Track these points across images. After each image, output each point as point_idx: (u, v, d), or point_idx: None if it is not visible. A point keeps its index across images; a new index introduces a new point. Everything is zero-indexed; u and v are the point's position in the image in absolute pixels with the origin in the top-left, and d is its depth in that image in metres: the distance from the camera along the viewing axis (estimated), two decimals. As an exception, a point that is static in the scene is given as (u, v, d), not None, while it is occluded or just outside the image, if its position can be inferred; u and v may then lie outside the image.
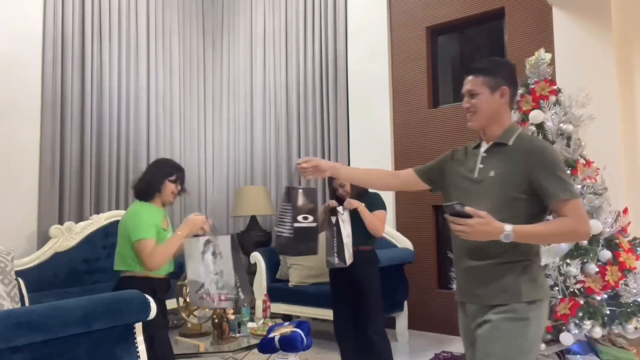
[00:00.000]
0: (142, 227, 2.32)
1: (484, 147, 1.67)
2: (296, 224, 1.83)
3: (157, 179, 2.46)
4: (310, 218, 1.83)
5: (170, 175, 2.47)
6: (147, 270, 2.32)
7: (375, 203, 2.96)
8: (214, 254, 2.31)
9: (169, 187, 2.47)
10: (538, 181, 1.52)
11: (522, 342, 1.52)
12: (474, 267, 1.61)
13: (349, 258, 2.73)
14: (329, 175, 1.88)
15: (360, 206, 2.86)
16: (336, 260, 2.68)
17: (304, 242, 1.85)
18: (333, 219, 2.72)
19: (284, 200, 1.89)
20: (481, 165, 1.64)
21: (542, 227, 1.51)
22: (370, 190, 2.99)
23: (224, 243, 2.28)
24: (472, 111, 1.67)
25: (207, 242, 2.31)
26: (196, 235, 2.39)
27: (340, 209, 2.83)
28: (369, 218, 2.88)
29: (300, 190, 1.88)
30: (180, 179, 2.52)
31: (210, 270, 2.29)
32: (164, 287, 2.44)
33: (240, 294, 2.22)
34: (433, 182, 1.84)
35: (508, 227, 1.44)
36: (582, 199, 2.59)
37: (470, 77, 1.69)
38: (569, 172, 2.66)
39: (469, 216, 1.43)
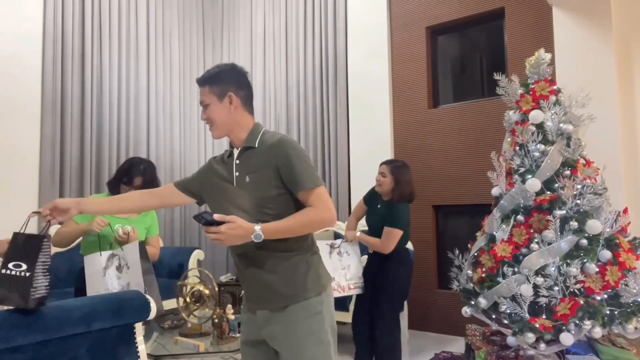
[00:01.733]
0: None
1: (236, 154, 1.65)
2: None
3: (118, 178, 2.55)
4: (24, 267, 1.54)
5: (123, 177, 2.53)
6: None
7: (389, 218, 2.88)
8: (118, 267, 2.24)
9: (123, 189, 2.52)
10: (284, 173, 1.53)
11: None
12: (258, 270, 1.58)
13: (339, 290, 2.76)
14: (75, 212, 1.67)
15: (357, 237, 2.90)
16: None
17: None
18: None
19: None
20: (237, 173, 1.62)
21: (289, 220, 1.50)
22: (396, 202, 2.93)
23: (132, 251, 2.22)
24: (209, 123, 1.65)
25: (112, 257, 2.25)
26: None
27: (338, 241, 2.87)
28: (369, 241, 2.91)
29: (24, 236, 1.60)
30: (134, 186, 2.52)
31: (114, 287, 2.19)
32: None
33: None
34: (194, 194, 1.79)
35: (257, 227, 1.44)
36: (582, 199, 2.58)
37: (200, 89, 1.66)
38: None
39: (219, 223, 1.42)
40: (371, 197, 3.07)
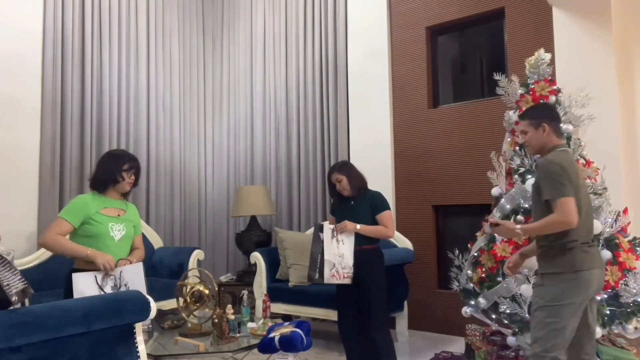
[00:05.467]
0: (68, 209, 2.40)
1: None
2: None
3: (112, 170, 2.47)
4: None
5: (123, 164, 2.48)
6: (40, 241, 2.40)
7: (379, 204, 2.97)
8: (114, 288, 2.32)
9: (124, 176, 2.48)
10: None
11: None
12: None
13: (329, 276, 2.80)
14: None
15: (356, 228, 2.89)
16: (317, 275, 2.80)
17: None
18: (320, 235, 2.82)
19: None
20: None
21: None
22: (370, 188, 3.04)
23: (136, 272, 2.36)
24: (526, 144, 2.27)
25: (105, 277, 2.32)
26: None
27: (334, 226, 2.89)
28: (372, 230, 2.91)
29: None
30: (134, 168, 2.52)
31: None
32: None
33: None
34: None
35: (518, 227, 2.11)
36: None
37: (520, 122, 2.30)
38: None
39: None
40: (334, 209, 3.11)
